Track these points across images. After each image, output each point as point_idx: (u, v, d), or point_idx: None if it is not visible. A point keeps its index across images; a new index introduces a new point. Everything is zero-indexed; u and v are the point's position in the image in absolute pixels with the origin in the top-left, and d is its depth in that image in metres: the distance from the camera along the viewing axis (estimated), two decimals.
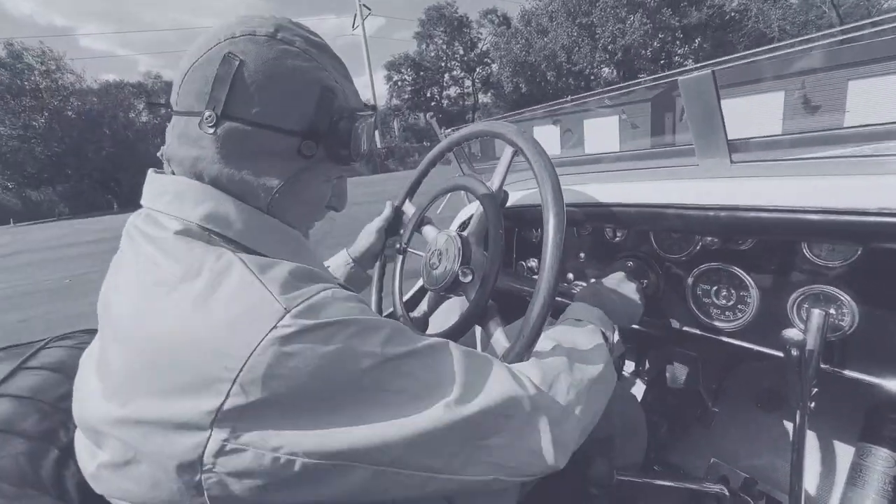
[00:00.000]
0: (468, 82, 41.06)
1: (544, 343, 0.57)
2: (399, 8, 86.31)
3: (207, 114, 0.45)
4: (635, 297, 0.79)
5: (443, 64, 39.31)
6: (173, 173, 0.50)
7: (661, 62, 23.91)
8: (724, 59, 0.78)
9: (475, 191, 0.77)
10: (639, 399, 1.15)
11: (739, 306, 0.81)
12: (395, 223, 0.98)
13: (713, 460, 1.06)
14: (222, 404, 0.36)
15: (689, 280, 0.87)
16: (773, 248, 0.77)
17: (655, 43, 23.32)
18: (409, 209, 0.95)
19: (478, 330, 0.99)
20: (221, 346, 0.37)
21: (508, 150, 0.73)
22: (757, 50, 0.84)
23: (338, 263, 0.95)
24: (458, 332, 0.71)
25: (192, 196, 0.46)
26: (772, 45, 0.77)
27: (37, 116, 22.28)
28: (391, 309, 0.91)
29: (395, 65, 38.49)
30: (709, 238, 0.83)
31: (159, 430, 0.37)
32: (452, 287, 0.71)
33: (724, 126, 0.72)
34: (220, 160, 0.47)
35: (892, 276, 0.66)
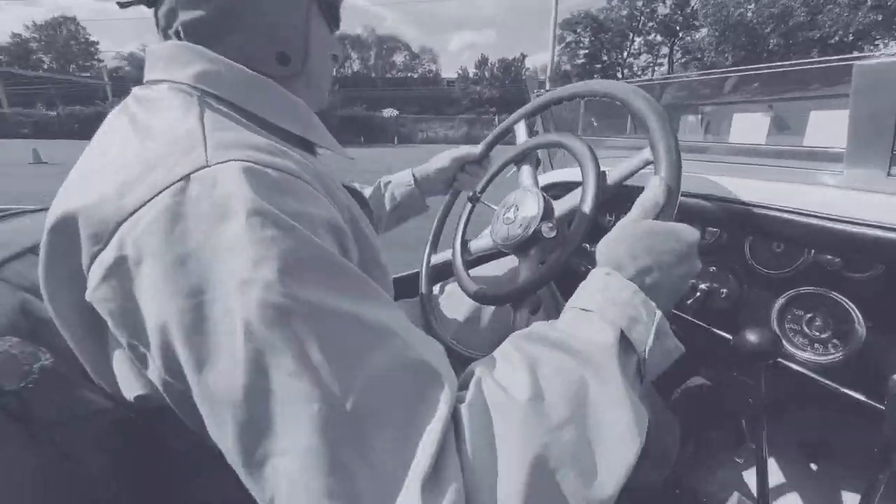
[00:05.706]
0: (665, 49, 35.49)
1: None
2: None
3: None
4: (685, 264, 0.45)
5: (636, 24, 34.64)
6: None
7: None
8: None
9: (578, 153, 0.67)
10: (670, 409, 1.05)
11: (834, 341, 0.69)
12: (472, 163, 0.90)
13: (736, 494, 0.94)
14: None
15: (781, 300, 0.75)
16: None
17: None
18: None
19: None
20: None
21: (644, 152, 0.58)
22: None
23: (399, 181, 0.90)
24: (525, 292, 0.66)
25: (183, 58, 0.45)
26: None
27: None
28: (449, 258, 0.89)
29: (570, 23, 34.72)
30: (823, 257, 0.71)
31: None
32: (525, 244, 0.66)
33: None
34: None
35: None
